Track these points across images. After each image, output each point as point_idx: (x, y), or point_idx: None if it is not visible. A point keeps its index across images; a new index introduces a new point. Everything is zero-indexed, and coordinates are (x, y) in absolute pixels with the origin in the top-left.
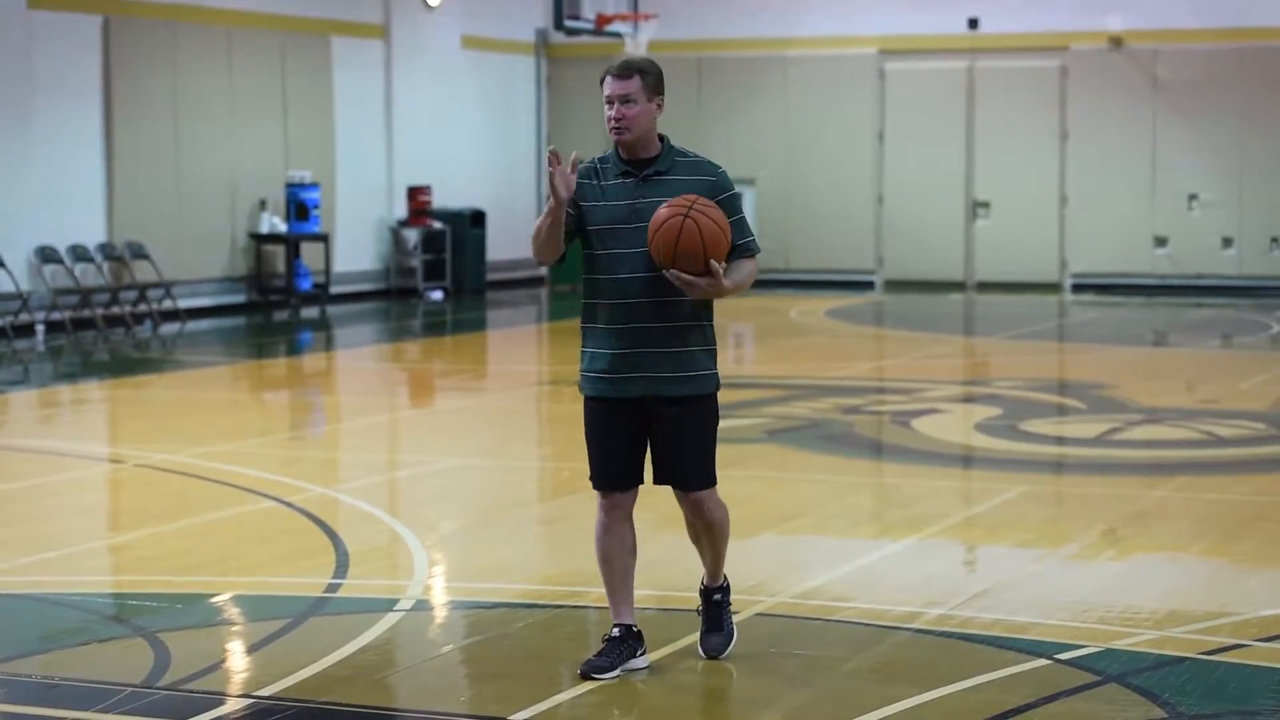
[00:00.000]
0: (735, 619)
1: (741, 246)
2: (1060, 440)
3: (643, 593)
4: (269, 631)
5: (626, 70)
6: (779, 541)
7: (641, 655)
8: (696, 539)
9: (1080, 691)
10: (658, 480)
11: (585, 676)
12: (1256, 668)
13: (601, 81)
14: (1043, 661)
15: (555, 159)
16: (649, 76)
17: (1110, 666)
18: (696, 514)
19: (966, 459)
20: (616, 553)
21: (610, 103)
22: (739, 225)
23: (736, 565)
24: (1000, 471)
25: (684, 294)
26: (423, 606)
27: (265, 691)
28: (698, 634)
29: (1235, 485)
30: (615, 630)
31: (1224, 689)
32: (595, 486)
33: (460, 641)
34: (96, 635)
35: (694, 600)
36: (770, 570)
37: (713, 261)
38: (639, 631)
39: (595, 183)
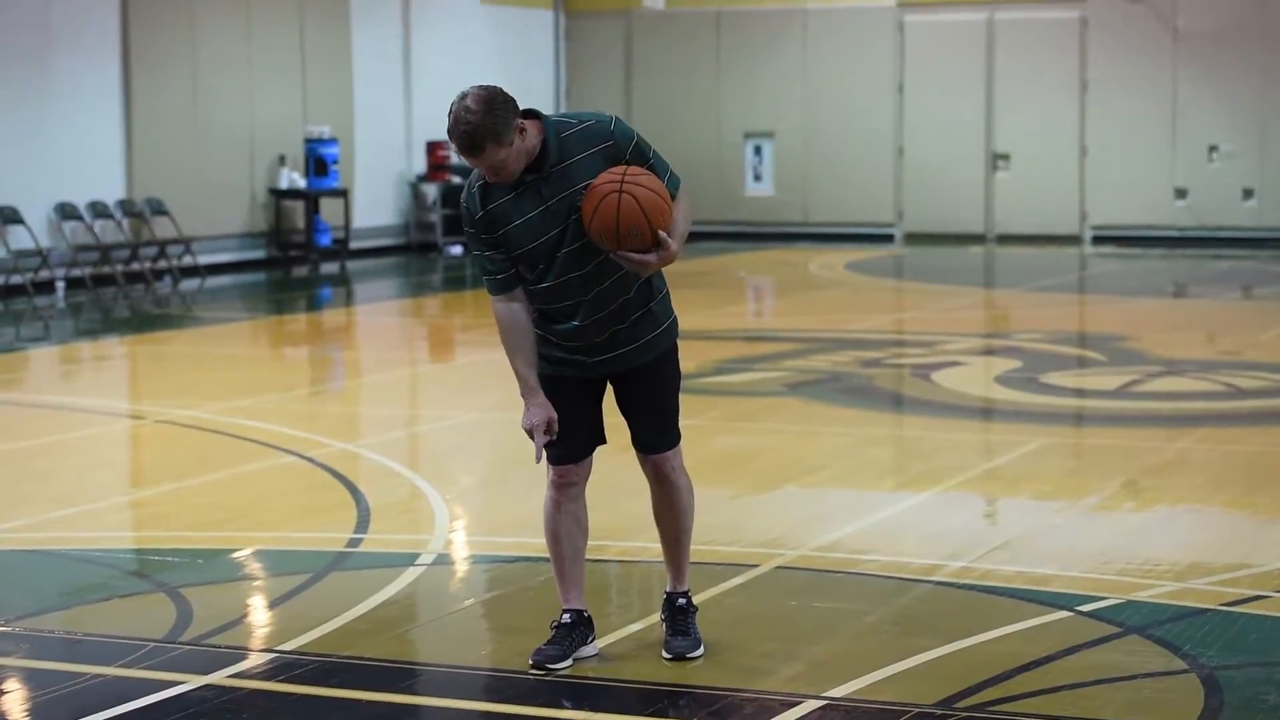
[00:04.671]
0: (756, 572)
1: (668, 185)
2: (1080, 392)
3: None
4: (291, 586)
5: (474, 149)
6: (799, 494)
7: (592, 642)
8: (659, 517)
9: (1101, 643)
10: (634, 443)
11: (537, 668)
12: (1278, 619)
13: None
14: (1064, 613)
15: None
16: (497, 130)
17: (1131, 618)
18: (661, 480)
19: (987, 411)
20: (570, 531)
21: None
22: (657, 166)
23: (757, 518)
24: (1020, 424)
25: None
26: (444, 561)
27: (287, 646)
28: (717, 588)
29: (1256, 437)
30: (566, 616)
31: (1245, 640)
32: (553, 461)
33: (481, 595)
34: (118, 591)
35: (717, 553)
36: (791, 523)
37: (660, 233)
38: (589, 617)
39: (499, 203)
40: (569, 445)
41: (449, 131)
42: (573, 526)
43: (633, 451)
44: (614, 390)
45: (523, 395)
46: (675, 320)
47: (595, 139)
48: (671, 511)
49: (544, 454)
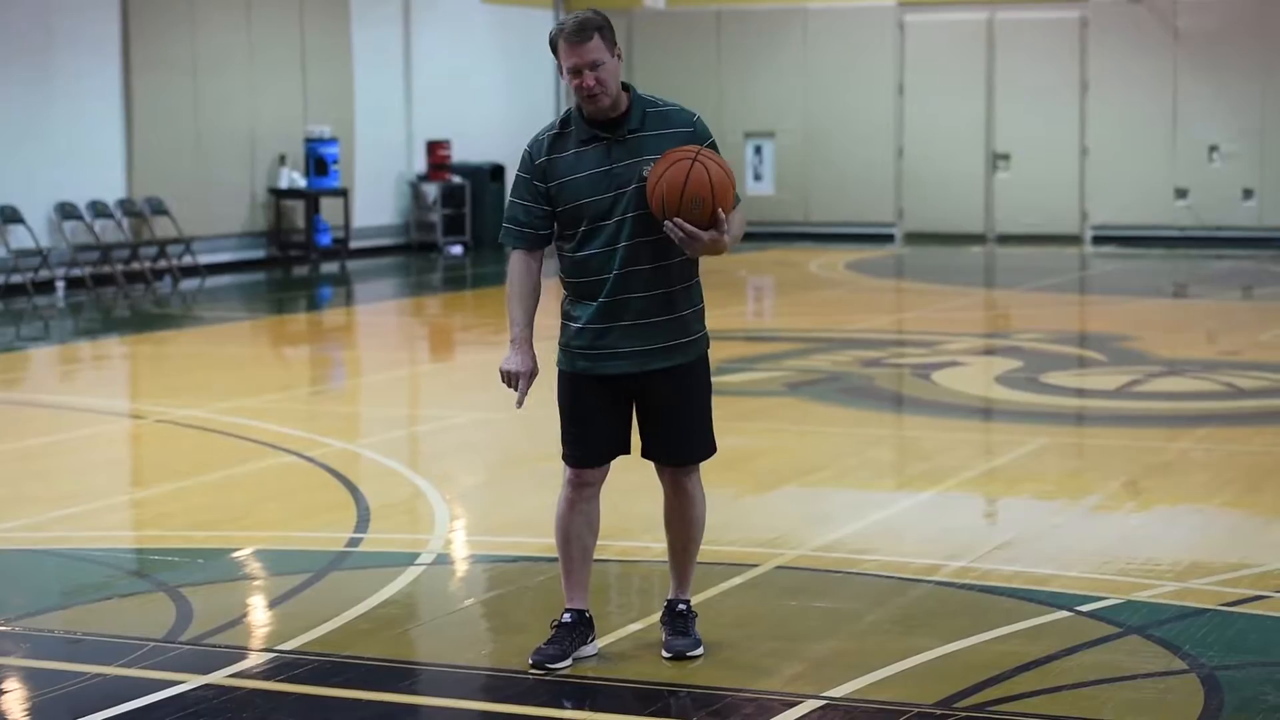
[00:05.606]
0: (756, 572)
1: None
2: (1081, 392)
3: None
4: (290, 586)
5: (584, 32)
6: (800, 494)
7: (592, 642)
8: (669, 524)
9: (1101, 643)
10: (645, 454)
11: (537, 667)
12: (1278, 619)
13: (553, 47)
14: (1064, 613)
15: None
16: (607, 30)
17: (1131, 618)
18: (677, 490)
19: (987, 411)
20: (580, 532)
21: (576, 71)
22: None
23: (757, 517)
24: (1021, 424)
25: (671, 257)
26: (443, 560)
27: (287, 645)
28: (717, 587)
29: (1256, 437)
30: (567, 616)
31: (1245, 641)
32: (568, 462)
33: (481, 595)
34: (118, 590)
35: (717, 552)
36: (791, 523)
37: (719, 210)
38: (591, 618)
39: (564, 155)
40: (589, 448)
41: (557, 32)
42: (584, 527)
43: (635, 452)
44: (640, 401)
45: (510, 340)
46: (706, 335)
47: (677, 123)
48: (683, 520)
49: (525, 401)
